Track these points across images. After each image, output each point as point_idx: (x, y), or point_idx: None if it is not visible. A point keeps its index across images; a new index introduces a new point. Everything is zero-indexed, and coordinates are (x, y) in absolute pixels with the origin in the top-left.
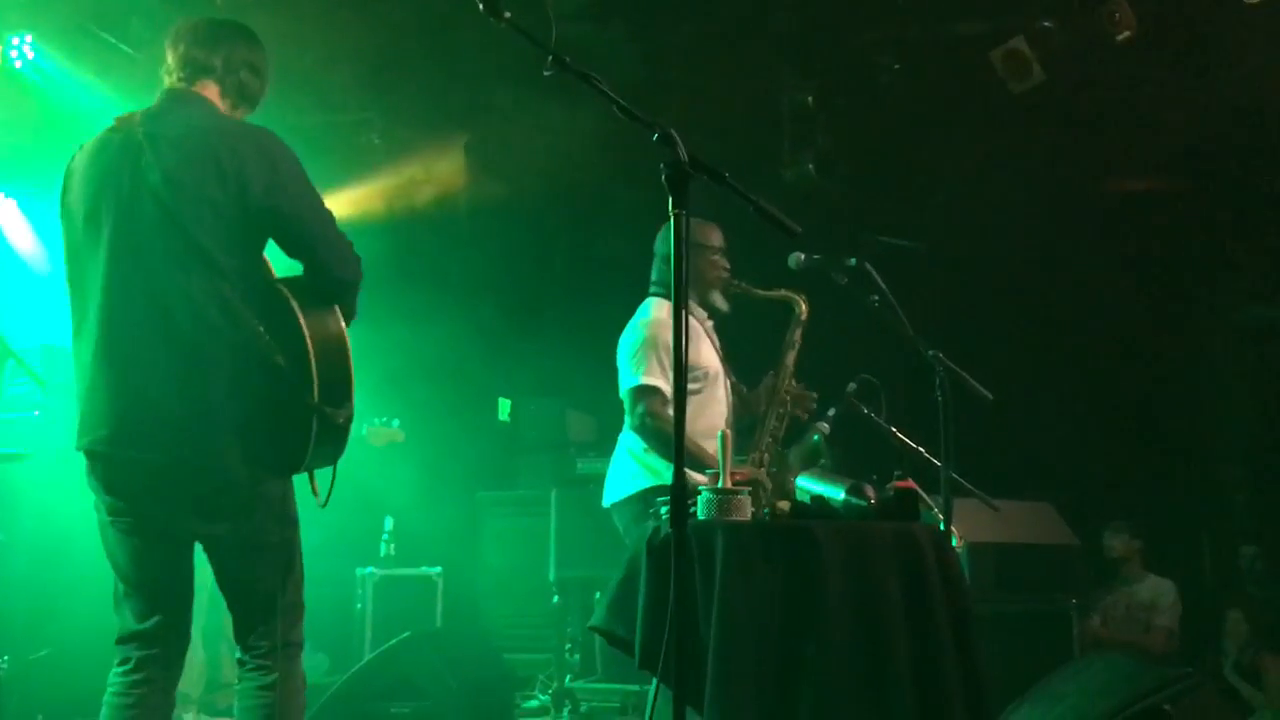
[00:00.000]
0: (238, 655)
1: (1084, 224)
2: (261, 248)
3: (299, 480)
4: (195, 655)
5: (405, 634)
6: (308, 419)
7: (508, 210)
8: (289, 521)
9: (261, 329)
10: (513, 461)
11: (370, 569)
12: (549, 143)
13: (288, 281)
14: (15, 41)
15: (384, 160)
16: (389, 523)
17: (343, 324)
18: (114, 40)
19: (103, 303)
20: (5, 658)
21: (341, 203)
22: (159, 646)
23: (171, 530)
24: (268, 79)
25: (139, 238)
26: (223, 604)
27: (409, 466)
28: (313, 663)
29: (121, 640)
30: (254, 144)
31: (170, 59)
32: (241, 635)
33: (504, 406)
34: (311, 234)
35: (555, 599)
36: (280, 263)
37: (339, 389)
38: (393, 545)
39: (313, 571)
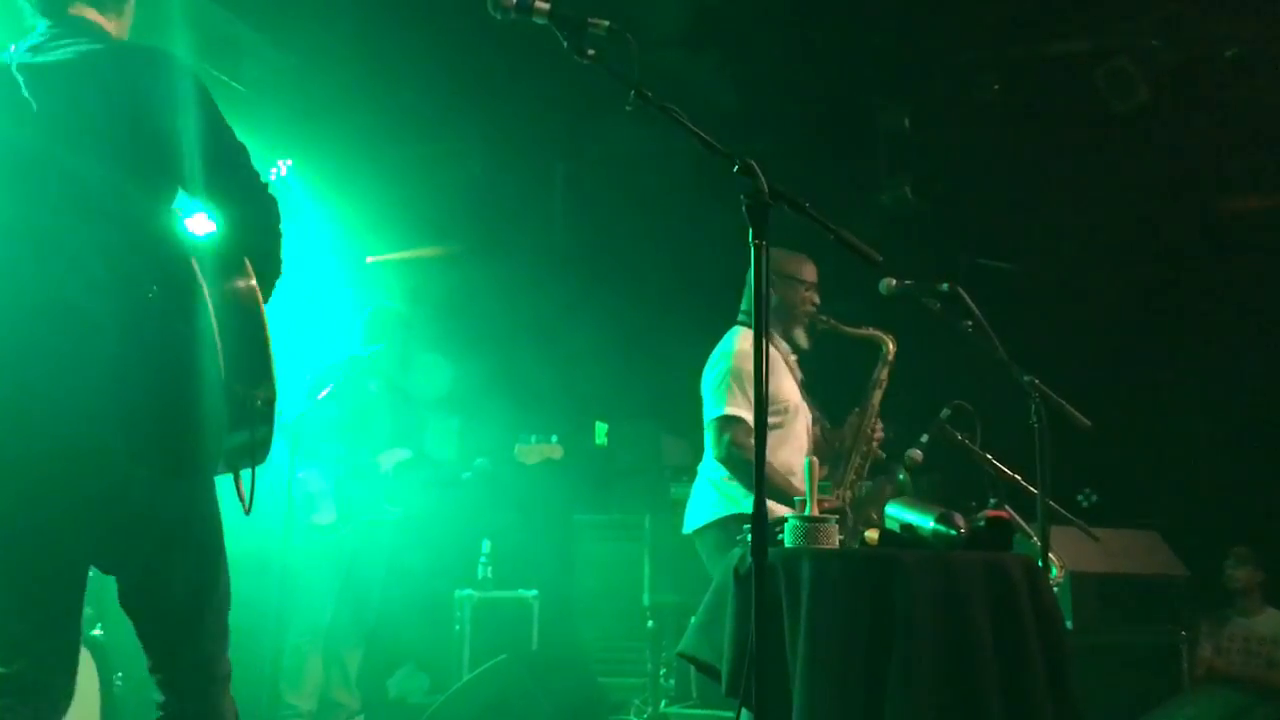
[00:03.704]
0: (155, 697)
1: (1191, 244)
2: (160, 191)
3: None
4: (312, 665)
5: (502, 656)
6: (214, 401)
7: (605, 235)
8: (205, 529)
9: (157, 289)
10: (608, 485)
11: (469, 591)
12: (646, 168)
13: (193, 236)
14: None
15: (484, 189)
16: (487, 545)
17: (254, 285)
18: (227, 79)
19: None
20: (119, 674)
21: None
22: (19, 697)
23: (58, 545)
24: None
25: (13, 184)
26: (339, 614)
27: (507, 490)
28: (415, 683)
29: None
30: (143, 63)
31: None
32: (156, 667)
33: (601, 430)
34: (215, 160)
35: (650, 623)
36: None
37: (252, 363)
38: (490, 568)
39: (414, 594)
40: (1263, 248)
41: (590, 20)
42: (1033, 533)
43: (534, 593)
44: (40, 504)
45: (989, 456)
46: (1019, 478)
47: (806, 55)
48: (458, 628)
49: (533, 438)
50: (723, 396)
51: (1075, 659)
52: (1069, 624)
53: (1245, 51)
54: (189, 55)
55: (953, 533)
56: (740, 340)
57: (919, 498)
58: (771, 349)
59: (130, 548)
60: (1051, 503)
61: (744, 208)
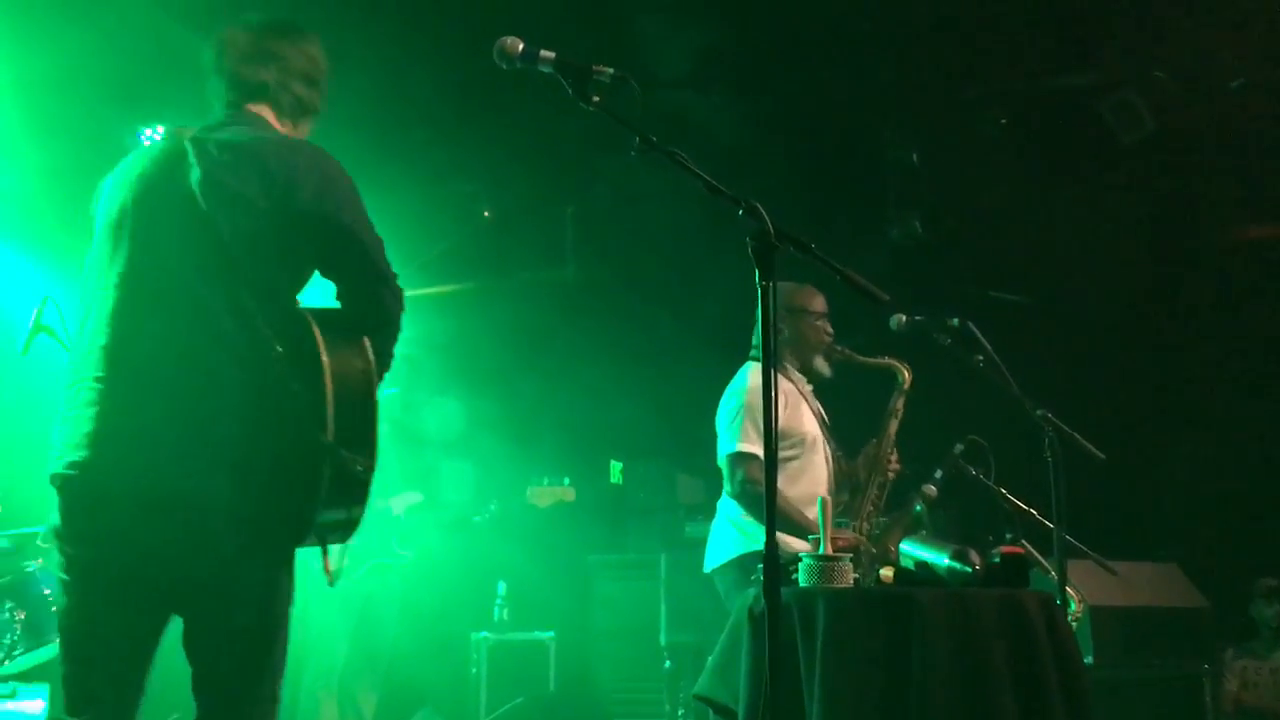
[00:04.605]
0: None
1: (1202, 273)
2: (298, 268)
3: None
4: (327, 708)
5: (519, 699)
6: (318, 463)
7: (616, 274)
8: (271, 609)
9: (280, 349)
10: (622, 524)
11: (484, 633)
12: (656, 207)
13: (315, 309)
14: (148, 132)
15: (494, 232)
16: (502, 587)
17: (371, 363)
18: None
19: (112, 310)
20: (175, 716)
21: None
22: None
23: (141, 589)
24: (325, 83)
25: (162, 240)
26: (353, 657)
27: (522, 531)
28: None
29: None
30: (308, 154)
31: (217, 81)
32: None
33: (615, 469)
34: (358, 248)
35: (667, 663)
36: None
37: (359, 435)
38: (506, 610)
39: (430, 636)
40: (1275, 277)
41: (595, 68)
42: (1050, 567)
43: (550, 634)
44: (131, 546)
45: (1003, 491)
46: (1034, 512)
47: (814, 92)
48: (474, 670)
49: (545, 480)
50: (736, 432)
51: (1095, 694)
52: (1089, 659)
53: (1251, 82)
54: (194, 100)
55: (968, 570)
56: (753, 375)
57: (935, 533)
58: (787, 383)
59: (204, 600)
60: (1068, 536)
61: (750, 250)
